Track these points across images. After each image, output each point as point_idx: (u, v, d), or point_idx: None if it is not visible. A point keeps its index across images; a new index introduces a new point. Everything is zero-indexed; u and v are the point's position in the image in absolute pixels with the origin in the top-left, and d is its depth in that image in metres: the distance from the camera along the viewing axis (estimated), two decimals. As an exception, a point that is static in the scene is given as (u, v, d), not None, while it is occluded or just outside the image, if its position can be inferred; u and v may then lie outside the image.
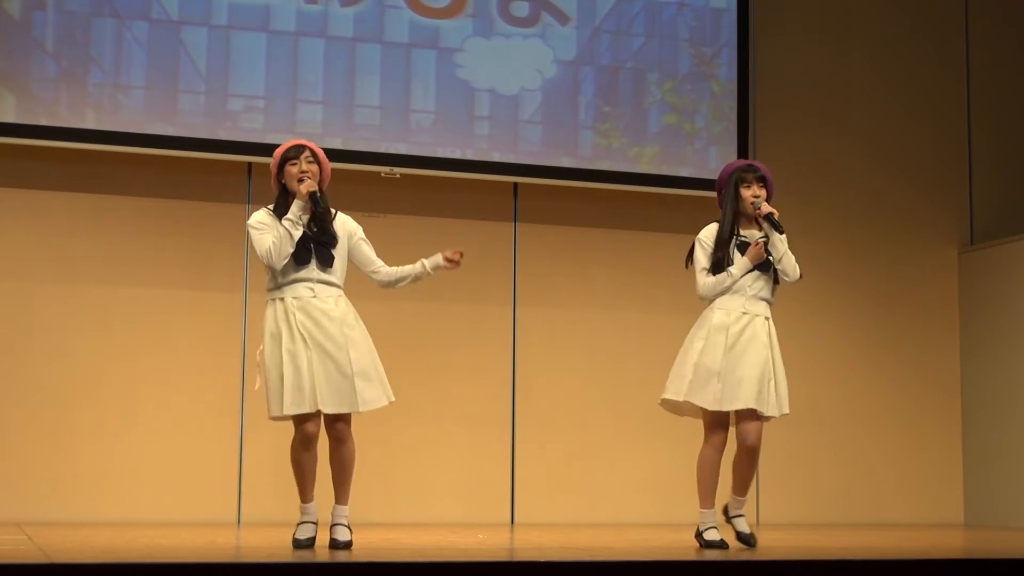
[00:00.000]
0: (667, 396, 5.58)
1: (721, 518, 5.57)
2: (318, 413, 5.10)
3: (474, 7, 7.82)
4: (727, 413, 5.49)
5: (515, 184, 7.95)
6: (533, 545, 5.70)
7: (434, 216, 7.82)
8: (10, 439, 7.01)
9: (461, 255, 5.31)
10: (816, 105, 8.57)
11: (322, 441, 5.19)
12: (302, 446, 5.13)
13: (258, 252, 5.16)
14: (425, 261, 5.35)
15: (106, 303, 7.25)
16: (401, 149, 7.62)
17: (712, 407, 5.45)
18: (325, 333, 5.11)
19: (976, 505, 8.44)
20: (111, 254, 7.29)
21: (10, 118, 7.04)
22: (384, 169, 7.59)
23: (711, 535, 5.48)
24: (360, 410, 5.13)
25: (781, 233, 5.55)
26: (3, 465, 6.98)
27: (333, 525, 5.15)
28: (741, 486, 5.58)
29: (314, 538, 5.10)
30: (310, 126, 7.44)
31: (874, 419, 8.34)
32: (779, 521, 7.50)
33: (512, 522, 7.71)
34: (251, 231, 5.19)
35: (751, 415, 5.47)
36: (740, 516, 5.58)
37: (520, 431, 7.83)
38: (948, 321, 8.65)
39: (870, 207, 8.60)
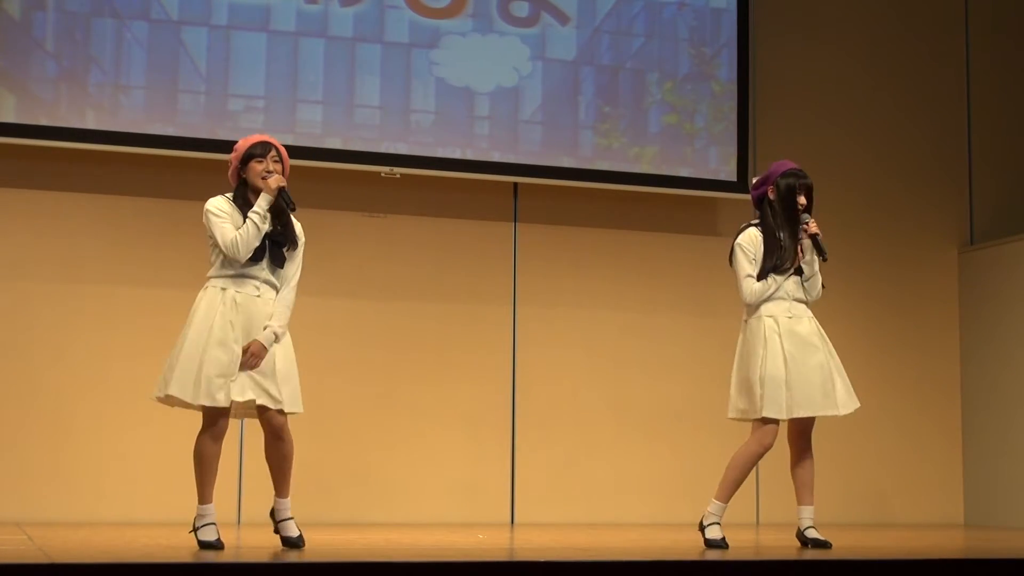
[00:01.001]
0: (746, 417, 5.57)
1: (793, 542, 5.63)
2: (228, 411, 5.03)
3: (474, 7, 7.82)
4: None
5: (515, 184, 7.95)
6: (533, 545, 5.70)
7: (434, 216, 7.82)
8: (10, 439, 7.01)
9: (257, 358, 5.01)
10: (816, 104, 8.57)
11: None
12: (212, 438, 5.04)
13: (220, 241, 5.03)
14: (268, 330, 5.05)
15: (106, 303, 7.25)
16: (401, 149, 7.62)
17: (784, 416, 5.48)
18: (260, 333, 5.01)
19: (976, 505, 8.44)
20: (111, 254, 7.29)
21: (10, 118, 7.04)
22: (384, 169, 7.59)
23: (713, 532, 5.48)
24: (284, 409, 5.04)
25: (824, 258, 5.58)
26: (3, 465, 6.98)
27: (282, 520, 5.08)
28: (809, 493, 5.60)
29: (220, 538, 5.00)
30: (310, 126, 7.45)
31: (874, 419, 8.32)
32: (779, 521, 7.50)
33: (512, 522, 7.71)
34: (211, 217, 5.08)
35: (810, 420, 5.56)
36: (812, 527, 5.60)
37: (520, 431, 7.83)
38: (948, 321, 8.65)
39: (870, 207, 8.61)
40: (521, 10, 7.92)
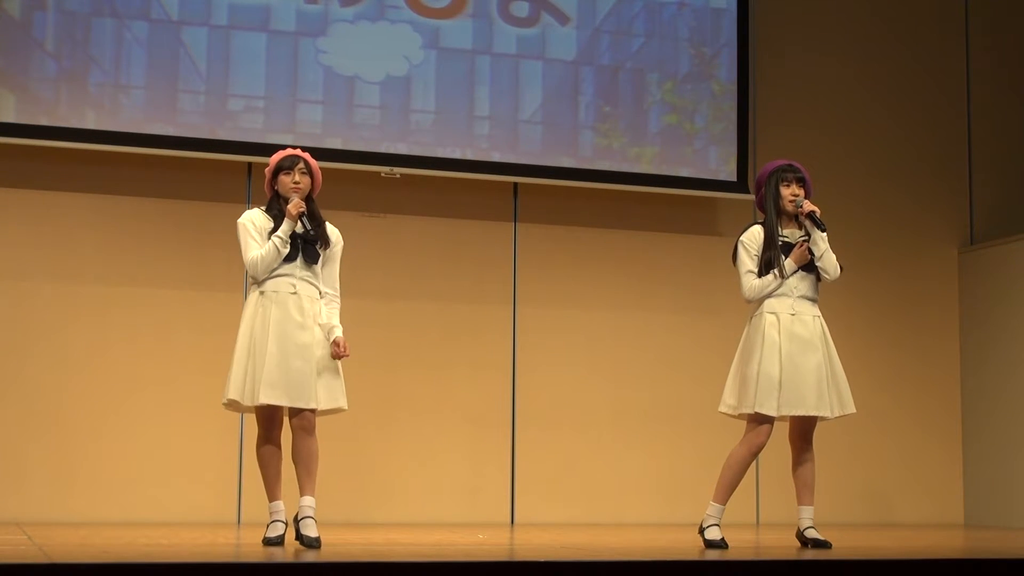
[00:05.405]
0: (742, 411, 5.57)
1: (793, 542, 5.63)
2: (281, 408, 5.17)
3: (474, 7, 7.82)
4: (772, 417, 5.51)
5: (515, 184, 7.95)
6: (533, 545, 5.70)
7: (434, 216, 7.82)
8: (10, 439, 7.01)
9: (342, 353, 5.23)
10: (816, 104, 8.57)
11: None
12: (264, 440, 5.23)
13: (243, 256, 5.27)
14: (330, 331, 5.26)
15: (106, 303, 7.25)
16: (401, 149, 7.62)
17: (776, 413, 5.48)
18: (296, 330, 5.16)
19: (976, 505, 8.44)
20: (111, 254, 7.29)
21: (10, 118, 7.04)
22: (384, 169, 7.59)
23: (712, 533, 5.48)
24: (319, 407, 5.18)
25: (823, 231, 5.60)
26: (3, 465, 6.98)
27: (303, 519, 5.13)
28: (810, 493, 5.61)
29: (283, 535, 5.14)
30: (310, 126, 7.45)
31: (874, 419, 8.32)
32: (779, 521, 7.51)
33: (512, 522, 7.71)
34: (241, 232, 5.31)
35: (808, 419, 5.56)
36: (812, 527, 5.59)
37: (520, 431, 7.83)
38: (948, 321, 8.65)
39: (869, 207, 8.61)
40: (521, 10, 7.92)
